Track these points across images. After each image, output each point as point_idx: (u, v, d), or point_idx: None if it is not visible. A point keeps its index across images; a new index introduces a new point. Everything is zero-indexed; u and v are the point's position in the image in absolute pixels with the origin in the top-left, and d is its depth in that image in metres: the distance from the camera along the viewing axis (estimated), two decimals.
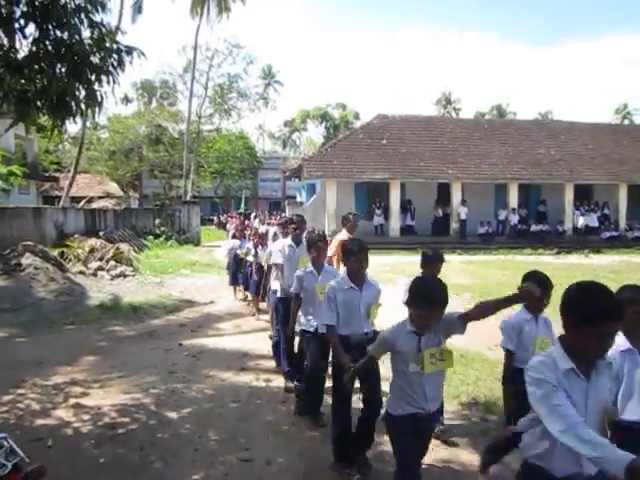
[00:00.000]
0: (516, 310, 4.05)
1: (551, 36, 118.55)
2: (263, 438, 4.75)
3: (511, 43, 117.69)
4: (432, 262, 4.77)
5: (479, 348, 7.27)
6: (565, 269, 17.08)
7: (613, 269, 17.50)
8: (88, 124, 28.64)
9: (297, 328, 5.34)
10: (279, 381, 6.22)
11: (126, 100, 48.75)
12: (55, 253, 13.19)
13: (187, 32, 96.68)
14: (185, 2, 32.15)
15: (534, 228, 25.75)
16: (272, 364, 6.82)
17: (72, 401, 5.54)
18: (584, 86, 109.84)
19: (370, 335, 4.19)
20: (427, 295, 3.07)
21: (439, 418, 4.19)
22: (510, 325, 4.04)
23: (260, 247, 9.22)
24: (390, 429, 3.29)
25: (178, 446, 4.54)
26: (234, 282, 11.66)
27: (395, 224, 24.60)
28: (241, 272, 11.03)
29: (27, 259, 11.28)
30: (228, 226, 25.63)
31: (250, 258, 9.82)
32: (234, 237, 11.91)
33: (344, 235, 8.14)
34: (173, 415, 5.21)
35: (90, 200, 28.75)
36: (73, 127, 33.59)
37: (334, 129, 62.29)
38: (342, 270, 4.69)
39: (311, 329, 4.97)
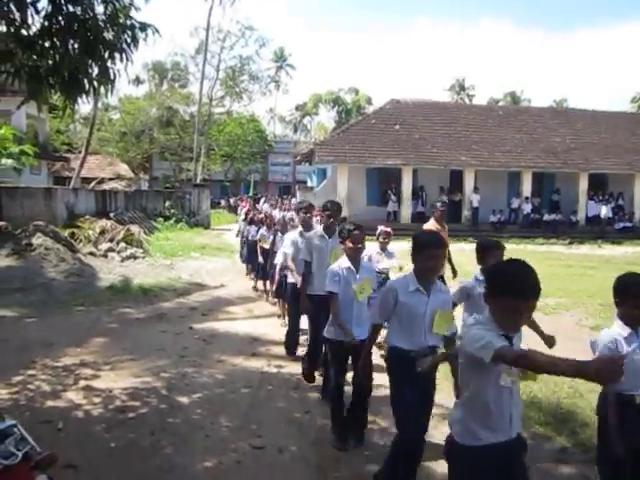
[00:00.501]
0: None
1: (567, 22, 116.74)
2: (275, 425, 4.67)
3: (526, 30, 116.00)
4: (493, 251, 4.39)
5: None
6: (579, 259, 16.89)
7: (628, 260, 17.26)
8: (99, 105, 28.50)
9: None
10: (290, 367, 6.14)
11: (137, 81, 48.56)
12: (66, 234, 13.16)
13: (199, 13, 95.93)
14: None
15: (547, 217, 25.44)
16: (283, 350, 6.75)
17: (82, 383, 5.49)
18: (599, 74, 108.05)
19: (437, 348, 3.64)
20: (534, 280, 2.32)
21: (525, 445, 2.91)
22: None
23: (280, 235, 8.45)
24: (463, 468, 2.46)
25: (189, 432, 4.48)
26: (252, 270, 11.03)
27: (407, 211, 24.39)
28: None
29: (38, 239, 11.24)
30: (239, 210, 24.61)
31: (266, 245, 9.23)
32: (250, 223, 11.28)
33: (432, 225, 7.84)
34: (184, 400, 5.14)
35: (101, 181, 28.68)
36: (84, 108, 33.51)
37: (346, 114, 61.77)
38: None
39: (344, 339, 4.27)
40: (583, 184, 25.85)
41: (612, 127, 28.87)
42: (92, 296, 9.47)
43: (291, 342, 6.53)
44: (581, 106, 32.71)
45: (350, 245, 4.31)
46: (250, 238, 10.81)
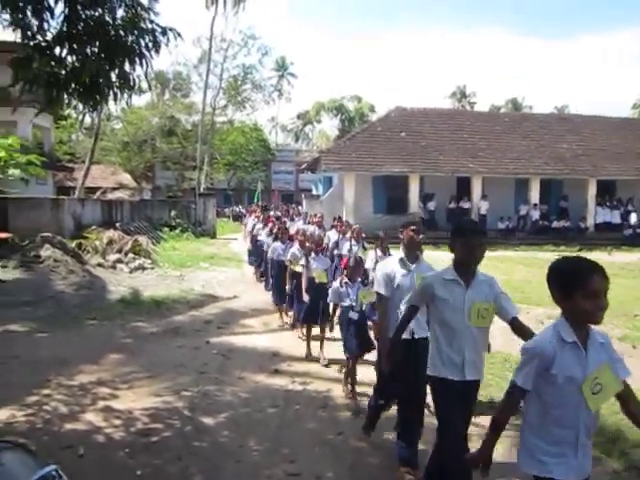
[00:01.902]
0: None
1: (566, 30, 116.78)
2: (308, 448, 4.42)
3: (525, 37, 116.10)
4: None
5: None
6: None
7: None
8: (102, 115, 28.41)
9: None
10: (316, 385, 5.91)
11: (140, 91, 48.46)
12: (73, 245, 12.94)
13: (202, 23, 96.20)
14: None
15: (555, 224, 25.19)
16: (306, 366, 6.51)
17: (101, 404, 5.24)
18: (600, 80, 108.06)
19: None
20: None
21: None
22: None
23: (314, 255, 7.29)
24: None
25: (218, 457, 4.23)
26: (280, 301, 8.79)
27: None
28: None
29: (46, 251, 11.03)
30: (246, 219, 21.97)
31: (299, 269, 7.57)
32: (276, 238, 9.44)
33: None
34: (209, 421, 4.89)
35: (104, 191, 28.54)
36: (86, 117, 33.30)
37: (349, 122, 61.71)
38: None
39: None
40: (591, 190, 25.61)
41: (619, 133, 28.66)
42: (103, 309, 9.21)
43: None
44: (582, 112, 32.45)
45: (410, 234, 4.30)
46: (276, 257, 8.87)
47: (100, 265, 12.56)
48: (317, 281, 6.92)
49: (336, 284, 5.80)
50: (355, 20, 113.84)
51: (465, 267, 3.31)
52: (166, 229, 22.14)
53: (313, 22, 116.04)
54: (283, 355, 7.03)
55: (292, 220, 16.14)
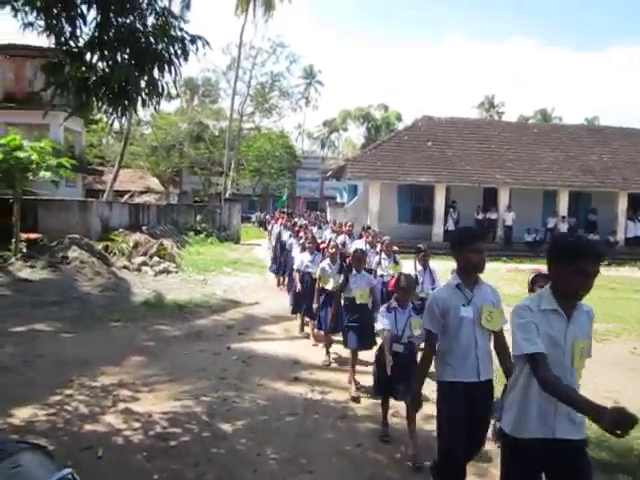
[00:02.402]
0: None
1: (595, 42, 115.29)
2: (326, 459, 4.37)
3: (555, 48, 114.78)
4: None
5: None
6: (621, 282, 16.22)
7: None
8: (132, 120, 28.91)
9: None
10: (335, 394, 5.86)
11: (169, 97, 49.17)
12: (100, 247, 13.14)
13: (230, 31, 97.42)
14: (231, 1, 32.10)
15: None
16: (326, 375, 6.47)
17: (121, 406, 5.28)
18: (630, 92, 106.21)
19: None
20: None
21: None
22: None
23: (355, 273, 6.19)
24: None
25: (236, 464, 4.21)
26: (297, 310, 8.59)
27: (439, 228, 23.94)
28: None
29: (73, 252, 11.21)
30: (270, 226, 20.29)
31: (329, 286, 7.01)
32: (303, 249, 8.86)
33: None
34: (227, 427, 4.88)
35: (132, 195, 28.97)
36: (116, 122, 33.93)
37: (375, 130, 61.67)
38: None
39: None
40: (622, 204, 25.07)
41: None
42: (127, 311, 9.32)
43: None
44: (612, 124, 31.78)
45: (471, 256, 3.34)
46: (303, 269, 8.21)
47: (125, 267, 12.72)
48: (358, 302, 6.00)
49: (383, 309, 4.88)
50: (384, 29, 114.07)
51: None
52: (191, 233, 22.36)
53: (341, 30, 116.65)
54: (303, 363, 7.00)
55: (320, 228, 15.92)
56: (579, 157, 26.48)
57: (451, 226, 24.67)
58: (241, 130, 41.67)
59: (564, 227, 24.67)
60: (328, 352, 7.02)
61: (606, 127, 32.05)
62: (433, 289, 6.36)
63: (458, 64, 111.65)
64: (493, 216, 24.46)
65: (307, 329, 8.53)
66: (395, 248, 8.64)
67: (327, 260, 7.29)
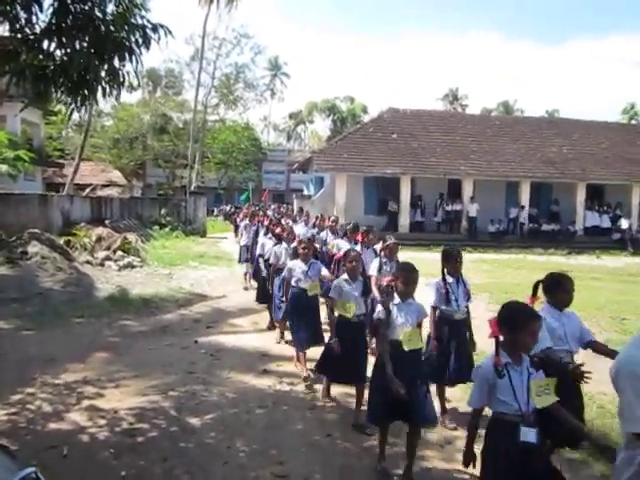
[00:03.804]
0: None
1: (557, 35, 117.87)
2: (296, 450, 4.38)
3: (517, 41, 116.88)
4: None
5: None
6: (581, 270, 16.70)
7: (630, 272, 17.14)
8: (93, 111, 28.20)
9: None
10: (303, 385, 5.85)
11: (131, 87, 48.14)
12: (61, 241, 12.80)
13: (194, 21, 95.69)
14: None
15: (545, 227, 25.33)
16: (294, 367, 6.46)
17: (86, 403, 5.17)
18: (590, 85, 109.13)
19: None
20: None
21: None
22: None
23: (398, 301, 4.13)
24: None
25: (205, 458, 4.17)
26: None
27: (405, 220, 24.16)
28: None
29: (34, 247, 10.89)
30: (239, 221, 17.66)
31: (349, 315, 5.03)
32: (295, 257, 6.71)
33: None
34: (196, 421, 4.83)
35: (94, 188, 28.30)
36: (77, 114, 33.00)
37: (341, 122, 61.72)
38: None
39: None
40: (581, 194, 25.76)
41: (608, 138, 28.89)
42: (91, 307, 9.10)
43: None
44: (573, 117, 32.65)
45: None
46: (294, 282, 6.27)
47: (88, 262, 12.43)
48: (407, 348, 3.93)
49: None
50: (348, 21, 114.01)
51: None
52: (156, 227, 21.98)
53: (307, 22, 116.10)
54: (272, 355, 6.98)
55: (294, 222, 13.54)
56: (540, 149, 27.08)
57: (419, 217, 24.96)
58: (206, 122, 41.11)
59: (526, 217, 25.25)
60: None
61: (566, 119, 32.89)
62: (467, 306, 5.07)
63: (421, 56, 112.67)
64: (457, 207, 24.82)
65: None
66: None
67: (344, 276, 5.15)
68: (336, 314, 5.04)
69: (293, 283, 6.22)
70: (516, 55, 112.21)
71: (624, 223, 25.19)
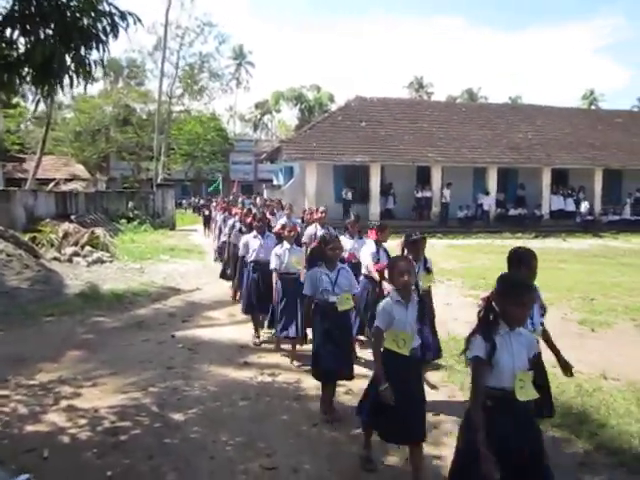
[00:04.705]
0: None
1: (516, 22, 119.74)
2: (283, 441, 4.34)
3: (478, 28, 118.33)
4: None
5: None
6: (549, 253, 17.07)
7: (594, 253, 17.62)
8: (53, 103, 27.35)
9: None
10: (285, 376, 5.83)
11: (92, 78, 46.85)
12: (26, 238, 12.41)
13: (156, 9, 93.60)
14: None
15: (512, 212, 25.79)
16: (275, 358, 6.43)
17: (64, 403, 5.02)
18: (550, 71, 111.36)
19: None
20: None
21: None
22: None
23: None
24: None
25: (191, 453, 4.11)
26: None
27: (375, 208, 24.26)
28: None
29: None
30: (215, 214, 16.60)
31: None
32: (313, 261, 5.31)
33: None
34: (179, 417, 4.75)
35: (57, 183, 27.52)
36: (34, 106, 32.00)
37: (309, 111, 61.48)
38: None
39: None
40: (546, 179, 26.27)
41: (571, 123, 29.51)
42: (61, 305, 8.85)
43: None
44: (535, 103, 33.26)
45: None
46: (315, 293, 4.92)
47: (56, 259, 12.10)
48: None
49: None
50: (313, 9, 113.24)
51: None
52: (123, 221, 21.58)
53: (269, 10, 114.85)
54: (251, 347, 6.92)
55: (272, 215, 12.25)
56: (505, 135, 27.48)
57: (391, 205, 25.05)
58: (171, 113, 40.36)
59: (493, 203, 25.64)
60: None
61: (529, 105, 33.43)
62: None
63: (386, 44, 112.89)
64: (427, 194, 25.04)
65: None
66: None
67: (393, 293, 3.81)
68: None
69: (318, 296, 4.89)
70: (478, 42, 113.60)
71: (582, 206, 25.85)
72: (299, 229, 7.78)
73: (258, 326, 7.13)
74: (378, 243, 6.44)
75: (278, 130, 65.67)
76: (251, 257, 7.17)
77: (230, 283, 9.65)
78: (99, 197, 23.27)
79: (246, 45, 62.69)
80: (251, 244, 7.20)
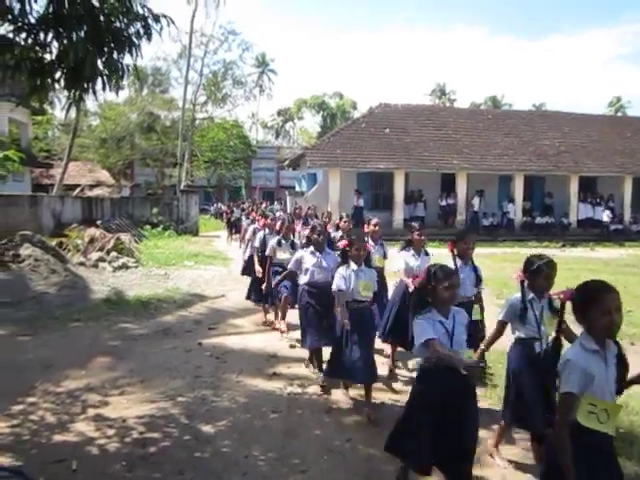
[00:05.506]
0: None
1: (539, 30, 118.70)
2: (317, 457, 4.17)
3: (501, 36, 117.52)
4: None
5: None
6: (578, 262, 16.65)
7: (626, 262, 17.13)
8: (80, 110, 27.69)
9: None
10: (315, 387, 5.67)
11: (119, 87, 47.50)
12: (53, 243, 12.47)
13: (182, 17, 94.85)
14: None
15: (539, 220, 25.32)
16: (304, 369, 6.25)
17: (92, 412, 4.92)
18: (575, 79, 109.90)
19: None
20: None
21: None
22: None
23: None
24: None
25: (223, 469, 3.96)
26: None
27: (399, 215, 24.00)
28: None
29: (26, 250, 10.56)
30: (245, 221, 15.53)
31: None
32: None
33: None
34: (209, 429, 4.61)
35: (83, 189, 27.84)
36: (62, 114, 32.57)
37: (331, 118, 61.48)
38: None
39: None
40: (574, 187, 25.77)
41: (599, 130, 28.94)
42: (88, 310, 8.82)
43: None
44: (559, 110, 32.70)
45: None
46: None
47: (82, 264, 12.13)
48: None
49: None
50: (332, 18, 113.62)
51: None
52: (147, 227, 21.66)
53: (292, 19, 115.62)
54: (279, 357, 6.77)
55: (305, 224, 11.34)
56: (532, 142, 27.03)
57: (421, 212, 24.65)
58: (194, 120, 40.66)
59: (520, 211, 25.18)
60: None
61: (556, 112, 32.86)
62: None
63: (408, 52, 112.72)
64: (451, 201, 24.72)
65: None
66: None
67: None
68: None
69: None
70: (500, 50, 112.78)
71: (605, 216, 25.23)
72: (371, 248, 6.51)
73: (320, 363, 5.94)
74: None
75: (300, 137, 65.76)
76: (305, 278, 5.91)
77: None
78: (124, 203, 23.42)
79: (269, 53, 62.72)
80: (306, 261, 5.94)
